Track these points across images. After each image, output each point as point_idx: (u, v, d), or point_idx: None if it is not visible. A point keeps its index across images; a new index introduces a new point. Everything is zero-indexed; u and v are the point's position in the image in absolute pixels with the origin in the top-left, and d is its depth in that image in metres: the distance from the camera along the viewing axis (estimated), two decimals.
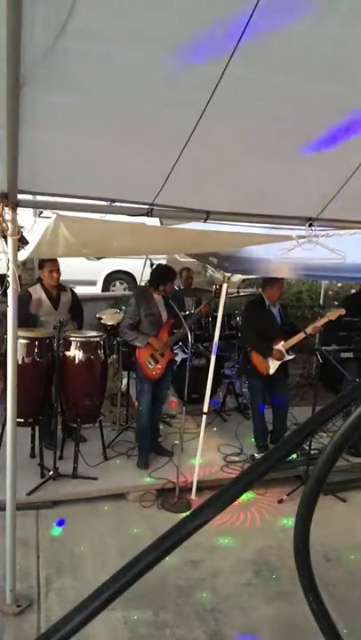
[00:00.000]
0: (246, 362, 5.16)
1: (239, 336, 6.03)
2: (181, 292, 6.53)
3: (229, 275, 4.34)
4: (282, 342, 4.87)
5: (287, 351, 4.91)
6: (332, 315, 4.79)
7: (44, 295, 4.73)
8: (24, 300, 4.68)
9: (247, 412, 5.85)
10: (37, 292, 4.74)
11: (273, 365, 4.91)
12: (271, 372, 4.92)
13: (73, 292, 5.00)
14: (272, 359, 4.89)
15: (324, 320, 4.78)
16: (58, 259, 4.71)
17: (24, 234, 2.85)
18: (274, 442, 5.26)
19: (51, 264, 4.68)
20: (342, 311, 4.85)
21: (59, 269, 4.73)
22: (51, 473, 4.31)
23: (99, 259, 7.69)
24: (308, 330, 4.77)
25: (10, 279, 2.80)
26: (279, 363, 4.91)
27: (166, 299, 4.72)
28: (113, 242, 3.63)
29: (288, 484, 4.48)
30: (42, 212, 4.93)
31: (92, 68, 1.87)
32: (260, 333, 4.96)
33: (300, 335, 4.80)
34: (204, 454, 4.52)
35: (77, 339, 4.49)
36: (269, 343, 4.89)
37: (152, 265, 5.38)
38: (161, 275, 4.71)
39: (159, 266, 5.01)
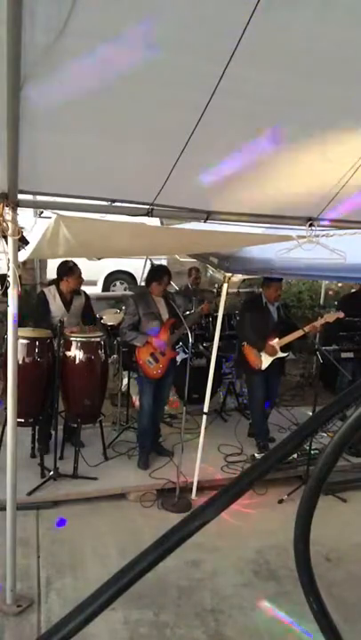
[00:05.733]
0: (240, 357, 5.19)
1: None
2: (187, 292, 6.54)
3: (230, 275, 4.35)
4: (276, 339, 4.89)
5: (283, 349, 4.92)
6: (330, 317, 4.82)
7: (57, 297, 4.75)
8: (43, 300, 4.72)
9: (247, 412, 5.86)
10: (52, 292, 4.78)
11: (265, 360, 4.93)
12: (263, 367, 4.94)
13: (87, 297, 5.00)
14: (265, 354, 4.91)
15: (322, 321, 4.80)
16: (81, 275, 4.81)
17: (24, 234, 2.85)
18: (250, 435, 5.38)
19: (74, 277, 4.72)
20: (341, 314, 4.87)
21: (76, 282, 4.77)
22: (51, 473, 4.31)
23: (99, 259, 7.70)
24: (306, 328, 4.79)
25: (10, 279, 2.80)
26: (272, 358, 4.92)
27: (167, 298, 4.72)
28: (113, 242, 3.63)
29: (288, 484, 4.48)
30: (42, 213, 4.94)
31: (93, 68, 1.87)
32: (255, 329, 4.99)
33: (297, 333, 4.83)
34: (205, 454, 4.52)
35: (78, 339, 4.49)
36: (264, 339, 4.91)
37: (152, 265, 5.38)
38: (151, 274, 4.76)
39: (155, 266, 5.02)
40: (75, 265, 4.73)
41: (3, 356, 3.62)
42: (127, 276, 9.77)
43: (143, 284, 6.23)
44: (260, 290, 5.29)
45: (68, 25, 1.60)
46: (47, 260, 7.71)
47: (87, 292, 5.08)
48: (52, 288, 4.81)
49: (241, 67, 1.85)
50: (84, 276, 4.97)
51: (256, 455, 4.94)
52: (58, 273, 4.80)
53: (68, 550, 3.64)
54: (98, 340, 4.59)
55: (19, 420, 3.15)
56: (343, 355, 5.69)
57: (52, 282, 5.10)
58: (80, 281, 4.82)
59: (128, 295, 6.60)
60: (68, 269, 4.70)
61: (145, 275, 5.39)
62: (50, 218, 3.03)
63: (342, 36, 1.76)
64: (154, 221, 3.47)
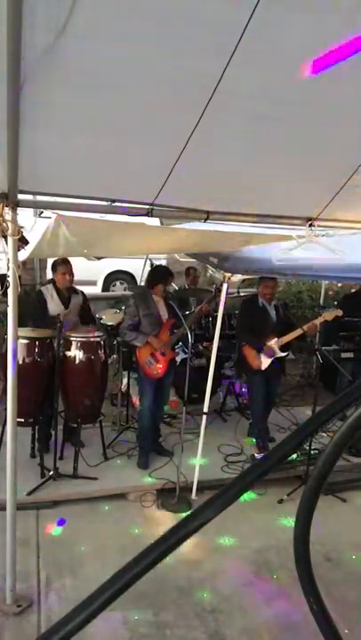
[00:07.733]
0: (240, 358, 5.19)
1: None
2: (184, 292, 6.53)
3: (229, 275, 4.34)
4: (275, 339, 4.88)
5: (282, 349, 4.92)
6: (329, 315, 4.81)
7: (55, 295, 4.75)
8: (40, 298, 4.71)
9: (247, 412, 5.86)
10: (49, 290, 4.76)
11: (265, 361, 4.93)
12: (263, 367, 4.94)
13: (84, 295, 4.99)
14: (264, 355, 4.91)
15: (321, 320, 4.80)
16: (70, 261, 4.74)
17: (24, 234, 2.85)
18: (250, 435, 5.36)
19: (63, 267, 4.68)
20: (339, 312, 4.86)
21: (71, 272, 4.74)
22: (51, 473, 4.31)
23: (99, 259, 7.70)
24: (305, 327, 4.78)
25: (10, 279, 2.80)
26: (271, 359, 4.92)
27: (166, 299, 4.72)
28: (113, 242, 3.64)
29: (288, 484, 4.48)
30: (42, 212, 4.94)
31: (92, 68, 1.87)
32: (253, 330, 4.99)
33: (296, 332, 4.81)
34: (204, 454, 4.52)
35: (78, 339, 4.49)
36: (262, 339, 4.91)
37: (152, 265, 5.38)
38: (156, 275, 4.75)
39: (158, 266, 5.03)
40: (66, 258, 4.71)
41: (3, 356, 3.62)
42: (127, 276, 9.76)
43: (143, 283, 6.23)
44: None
45: (68, 25, 1.60)
46: (47, 260, 7.71)
47: (85, 292, 5.07)
48: (50, 286, 4.80)
49: (240, 67, 1.86)
50: (84, 276, 4.96)
51: (256, 455, 4.94)
52: (52, 268, 4.80)
53: (68, 550, 3.64)
54: (98, 339, 4.59)
55: (19, 419, 3.15)
56: (343, 355, 5.70)
57: (48, 281, 5.09)
58: (71, 278, 4.76)
59: (128, 295, 6.59)
60: (60, 262, 4.68)
61: (145, 275, 5.39)
62: (50, 218, 3.03)
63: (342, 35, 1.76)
64: (154, 221, 3.47)
